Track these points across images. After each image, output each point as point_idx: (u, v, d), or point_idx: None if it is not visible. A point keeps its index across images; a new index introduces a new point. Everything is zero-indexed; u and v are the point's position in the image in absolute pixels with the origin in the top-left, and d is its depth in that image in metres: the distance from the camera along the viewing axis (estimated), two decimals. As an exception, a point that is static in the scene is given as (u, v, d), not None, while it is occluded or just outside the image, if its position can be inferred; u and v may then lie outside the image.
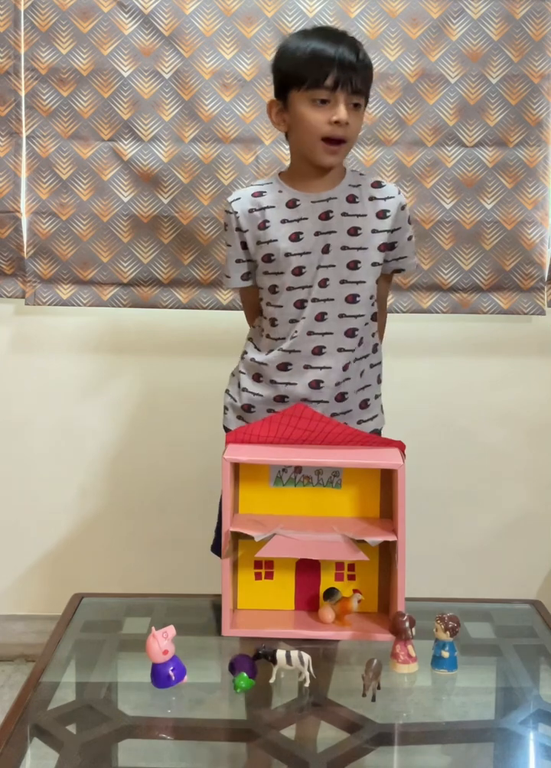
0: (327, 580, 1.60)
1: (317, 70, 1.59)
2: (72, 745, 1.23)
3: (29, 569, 2.59)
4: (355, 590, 1.58)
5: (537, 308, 2.41)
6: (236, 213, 1.73)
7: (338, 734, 1.28)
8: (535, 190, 2.36)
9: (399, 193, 1.76)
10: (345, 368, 1.73)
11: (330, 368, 1.72)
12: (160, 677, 1.36)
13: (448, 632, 1.41)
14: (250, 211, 1.72)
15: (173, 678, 1.36)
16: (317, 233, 1.69)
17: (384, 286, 1.84)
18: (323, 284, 1.70)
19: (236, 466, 1.59)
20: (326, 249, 1.69)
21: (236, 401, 1.83)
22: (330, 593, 1.57)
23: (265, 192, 1.74)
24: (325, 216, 1.70)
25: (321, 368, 1.72)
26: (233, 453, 1.56)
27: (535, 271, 2.39)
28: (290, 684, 1.37)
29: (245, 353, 1.85)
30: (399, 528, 1.52)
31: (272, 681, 1.37)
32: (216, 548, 1.73)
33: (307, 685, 1.36)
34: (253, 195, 1.74)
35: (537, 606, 1.72)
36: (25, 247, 2.38)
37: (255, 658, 1.39)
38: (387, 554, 1.58)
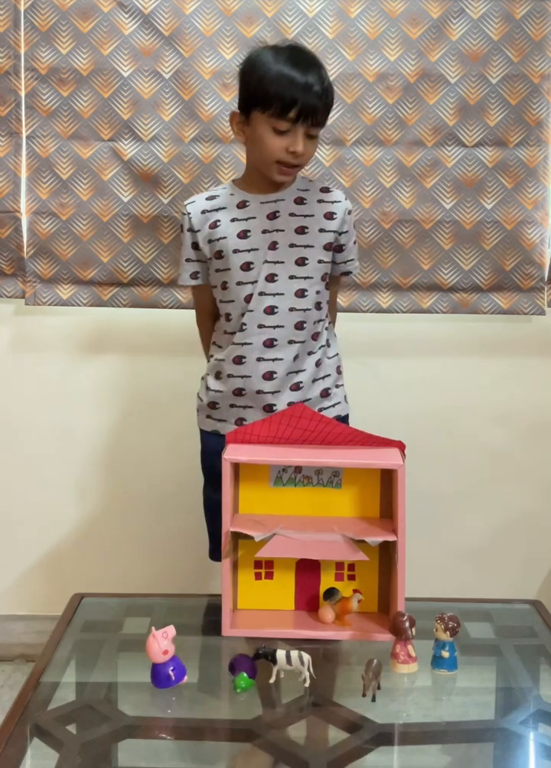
0: (327, 580, 1.60)
1: (282, 101, 1.67)
2: (72, 745, 1.23)
3: (29, 569, 2.59)
4: (355, 590, 1.58)
5: (537, 308, 2.41)
6: (190, 214, 1.85)
7: (338, 734, 1.28)
8: (535, 190, 2.36)
9: (346, 199, 1.88)
10: (295, 359, 1.83)
11: (281, 360, 1.82)
12: (160, 677, 1.36)
13: (448, 633, 1.41)
14: (203, 212, 1.84)
15: (173, 678, 1.36)
16: (264, 231, 1.80)
17: (334, 289, 1.97)
18: (271, 279, 1.80)
19: (236, 466, 1.59)
20: (273, 246, 1.80)
21: (203, 400, 1.96)
22: (330, 593, 1.57)
23: (218, 195, 1.86)
24: (272, 215, 1.81)
25: (273, 360, 1.82)
26: (233, 453, 1.56)
27: (535, 271, 2.39)
28: (290, 684, 1.37)
29: (210, 355, 1.96)
30: (399, 528, 1.52)
31: (272, 681, 1.37)
32: (215, 555, 1.78)
33: (307, 684, 1.36)
34: (207, 199, 1.87)
35: (537, 606, 1.72)
36: (25, 247, 2.38)
37: (255, 658, 1.39)
38: (387, 554, 1.58)
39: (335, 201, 1.85)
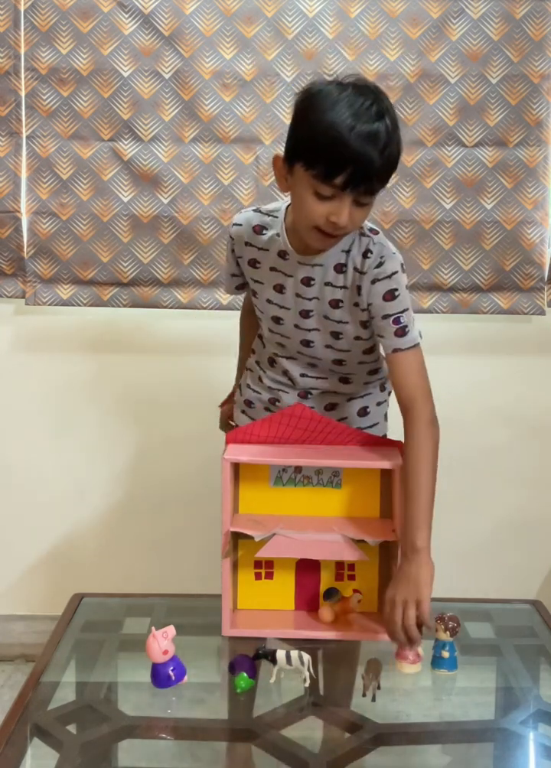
0: (327, 580, 1.60)
1: (327, 163, 1.35)
2: (72, 745, 1.23)
3: (29, 569, 2.59)
4: (355, 590, 1.58)
5: (537, 308, 2.41)
6: (234, 240, 1.64)
7: (338, 734, 1.28)
8: (535, 190, 2.36)
9: (381, 262, 1.50)
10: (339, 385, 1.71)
11: (323, 384, 1.71)
12: (160, 677, 1.36)
13: (448, 633, 1.41)
14: (246, 243, 1.62)
15: (173, 678, 1.36)
16: (297, 295, 1.59)
17: (394, 369, 1.55)
18: (306, 344, 1.63)
19: (236, 466, 1.59)
20: (305, 314, 1.60)
21: (241, 395, 1.83)
22: (330, 593, 1.57)
23: (266, 230, 1.59)
24: (307, 281, 1.56)
25: (315, 379, 1.70)
26: (233, 453, 1.56)
27: (535, 271, 2.39)
28: (290, 684, 1.37)
29: (253, 350, 1.81)
30: (399, 528, 1.52)
31: (272, 681, 1.37)
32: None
33: (307, 684, 1.36)
34: (255, 229, 1.60)
35: (537, 606, 1.72)
36: (25, 247, 2.38)
37: (255, 658, 1.39)
38: (387, 554, 1.58)
39: (363, 271, 1.52)
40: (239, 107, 2.32)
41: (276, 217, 1.58)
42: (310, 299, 1.58)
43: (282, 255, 1.57)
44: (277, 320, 1.64)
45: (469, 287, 2.40)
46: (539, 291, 2.40)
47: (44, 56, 2.30)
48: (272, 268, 1.59)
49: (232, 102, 2.32)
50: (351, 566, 1.60)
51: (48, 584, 2.56)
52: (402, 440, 1.58)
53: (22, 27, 2.30)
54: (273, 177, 2.32)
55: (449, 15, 2.29)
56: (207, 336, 2.46)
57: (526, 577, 2.58)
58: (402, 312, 1.51)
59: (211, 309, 2.40)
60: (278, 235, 1.56)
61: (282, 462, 1.57)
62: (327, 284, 1.55)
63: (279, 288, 1.60)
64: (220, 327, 2.42)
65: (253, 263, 1.62)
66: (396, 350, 1.52)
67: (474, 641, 1.59)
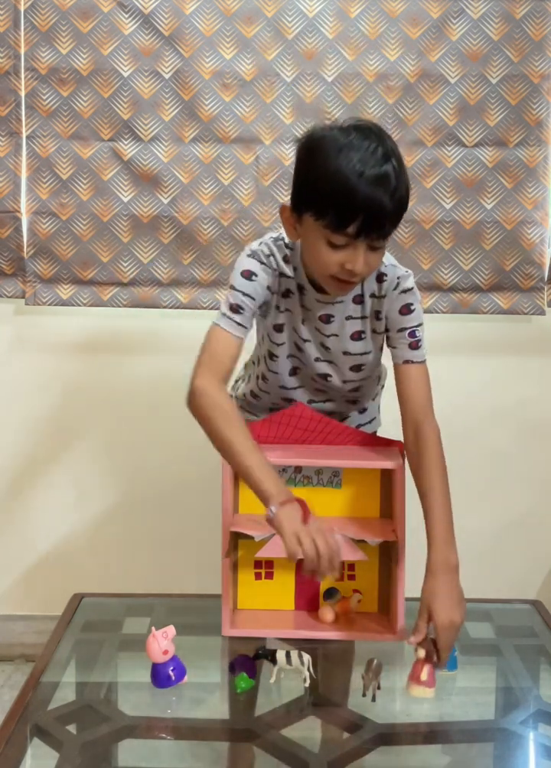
0: (327, 581, 1.60)
1: (340, 211, 1.32)
2: (72, 745, 1.23)
3: (29, 569, 2.59)
4: (355, 590, 1.58)
5: (537, 308, 2.41)
6: (265, 265, 1.52)
7: (338, 734, 1.28)
8: (535, 190, 2.36)
9: (398, 285, 1.51)
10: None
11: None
12: (160, 677, 1.36)
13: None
14: (281, 275, 1.53)
15: (173, 678, 1.36)
16: (316, 329, 1.57)
17: (405, 382, 1.54)
18: (323, 377, 1.62)
19: (236, 466, 1.59)
20: (325, 351, 1.59)
21: (233, 394, 1.81)
22: (330, 593, 1.57)
23: (289, 262, 1.52)
24: (326, 319, 1.55)
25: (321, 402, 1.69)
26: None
27: (535, 271, 2.39)
28: (290, 684, 1.37)
29: (251, 390, 1.75)
30: (398, 528, 1.52)
31: (272, 681, 1.37)
32: None
33: (307, 684, 1.36)
34: (285, 258, 1.52)
35: (537, 606, 1.72)
36: (25, 247, 2.38)
37: (255, 658, 1.39)
38: (387, 554, 1.58)
39: (382, 295, 1.52)
40: (239, 107, 2.32)
41: (294, 249, 1.52)
42: (328, 336, 1.57)
43: (300, 289, 1.54)
44: (297, 349, 1.60)
45: (469, 287, 2.40)
46: (539, 291, 2.40)
47: (44, 56, 2.30)
48: (286, 309, 1.56)
49: (232, 102, 2.32)
50: (351, 566, 1.60)
51: (48, 584, 2.56)
52: (402, 441, 1.58)
53: (22, 27, 2.30)
54: (273, 177, 2.34)
55: (449, 15, 2.29)
56: (207, 336, 2.45)
57: (526, 577, 2.58)
58: (417, 326, 1.53)
59: (211, 309, 2.40)
60: (295, 268, 1.53)
61: (282, 462, 1.57)
62: (347, 318, 1.55)
63: (302, 321, 1.57)
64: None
65: (287, 293, 1.55)
66: (407, 362, 1.53)
67: (474, 641, 1.59)
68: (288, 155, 2.33)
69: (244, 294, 1.49)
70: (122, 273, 2.39)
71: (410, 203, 2.33)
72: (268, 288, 1.53)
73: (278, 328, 1.59)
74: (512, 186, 2.36)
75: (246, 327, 1.51)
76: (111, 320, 2.48)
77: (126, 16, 2.29)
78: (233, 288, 1.50)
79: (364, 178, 1.30)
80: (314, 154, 1.36)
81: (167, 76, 2.31)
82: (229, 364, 1.51)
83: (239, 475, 1.45)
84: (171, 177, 2.35)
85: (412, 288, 1.53)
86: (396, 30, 2.29)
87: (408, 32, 2.29)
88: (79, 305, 2.41)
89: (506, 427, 2.53)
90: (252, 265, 1.50)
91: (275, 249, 1.52)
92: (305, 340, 1.59)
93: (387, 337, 1.57)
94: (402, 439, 1.58)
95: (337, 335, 1.56)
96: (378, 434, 1.79)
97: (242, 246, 2.33)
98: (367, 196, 1.30)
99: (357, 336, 1.57)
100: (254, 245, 1.54)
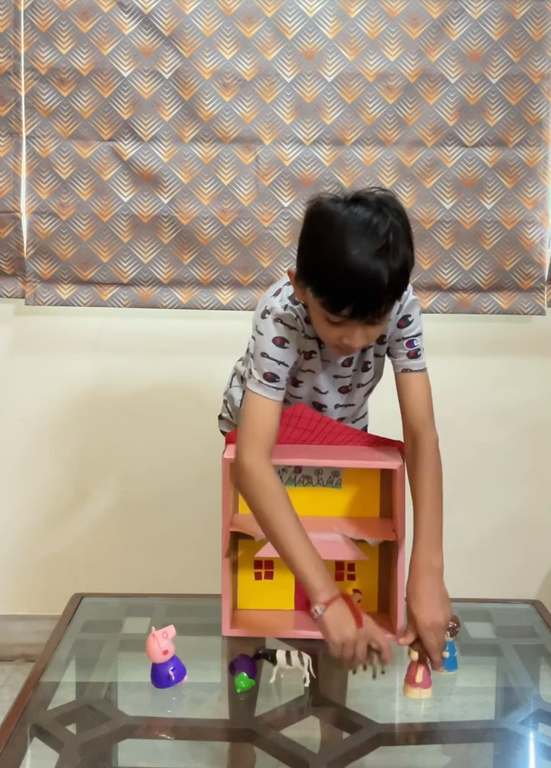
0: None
1: (334, 296, 1.32)
2: (72, 745, 1.23)
3: (29, 569, 2.59)
4: (355, 590, 1.58)
5: (537, 308, 2.41)
6: (291, 328, 1.49)
7: (338, 734, 1.28)
8: (535, 190, 2.36)
9: (400, 309, 1.51)
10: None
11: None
12: (160, 677, 1.36)
13: (448, 633, 1.41)
14: (305, 336, 1.52)
15: (173, 678, 1.36)
16: (335, 376, 1.59)
17: (408, 391, 1.56)
18: (343, 408, 1.65)
19: (236, 466, 1.59)
20: (345, 394, 1.63)
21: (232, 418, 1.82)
22: (330, 593, 1.57)
23: (312, 337, 1.52)
24: (348, 363, 1.58)
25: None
26: (233, 453, 1.56)
27: (535, 271, 2.39)
28: (290, 684, 1.37)
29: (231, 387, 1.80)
30: (399, 528, 1.52)
31: (272, 681, 1.37)
32: None
33: (307, 684, 1.36)
34: (306, 319, 1.49)
35: (537, 606, 1.72)
36: (25, 247, 2.38)
37: (255, 658, 1.40)
38: (387, 554, 1.58)
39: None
40: (239, 107, 2.32)
41: (305, 307, 1.48)
42: (346, 377, 1.60)
43: (320, 345, 1.53)
44: (315, 400, 1.62)
45: (469, 287, 2.40)
46: (539, 291, 2.40)
47: (44, 56, 2.30)
48: (321, 357, 1.56)
49: (232, 102, 2.32)
50: (351, 566, 1.60)
51: (48, 584, 2.56)
52: (402, 440, 1.58)
53: (22, 27, 2.30)
54: (273, 177, 2.34)
55: (449, 15, 2.29)
56: (207, 336, 2.46)
57: (526, 577, 2.58)
58: (415, 336, 1.54)
59: (211, 309, 2.40)
60: (307, 320, 1.50)
61: (282, 462, 1.57)
62: (361, 350, 1.55)
63: (321, 375, 1.58)
64: (220, 327, 2.42)
65: (309, 355, 1.55)
66: (406, 370, 1.54)
67: (474, 641, 1.59)
68: (288, 155, 2.33)
69: (278, 362, 1.48)
70: (122, 273, 2.39)
71: (410, 203, 2.36)
72: (298, 350, 1.52)
73: (297, 383, 1.60)
74: (512, 186, 2.36)
75: (283, 390, 1.51)
76: (111, 320, 2.48)
77: (126, 16, 2.29)
78: (265, 355, 1.48)
79: (358, 266, 1.28)
80: (314, 230, 1.36)
81: (167, 76, 2.31)
82: (273, 434, 1.50)
83: (285, 562, 1.41)
84: (171, 177, 2.35)
85: (409, 302, 1.51)
86: (396, 30, 2.29)
87: (408, 32, 2.29)
88: (79, 305, 2.41)
89: (507, 427, 2.53)
90: (283, 332, 1.48)
91: (298, 312, 1.49)
92: (324, 393, 1.61)
93: (387, 347, 1.58)
94: (401, 439, 1.58)
95: (353, 373, 1.59)
96: (370, 427, 1.79)
97: (243, 246, 2.37)
98: (360, 284, 1.29)
99: (365, 366, 1.60)
100: (277, 306, 1.49)
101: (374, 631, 1.32)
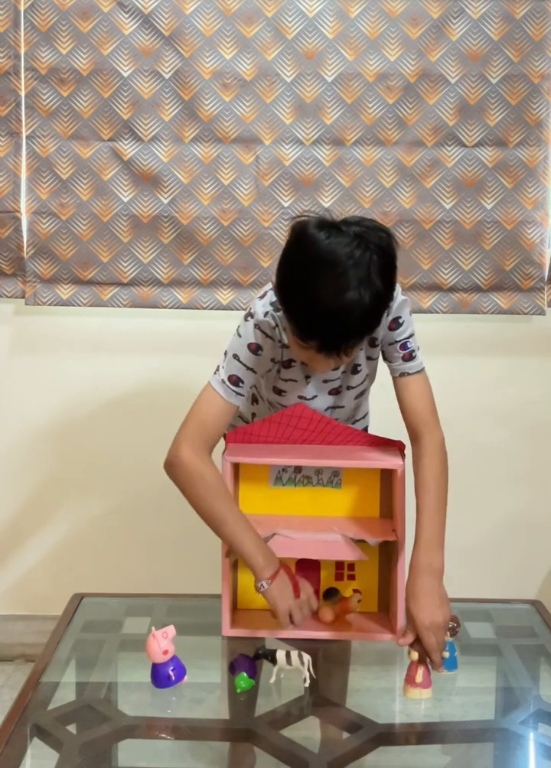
0: (327, 580, 1.60)
1: (303, 325, 1.32)
2: (72, 745, 1.23)
3: (29, 569, 2.59)
4: (355, 590, 1.58)
5: (537, 308, 2.41)
6: (269, 336, 1.49)
7: (338, 734, 1.28)
8: (535, 190, 2.36)
9: (389, 312, 1.49)
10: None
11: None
12: (160, 677, 1.36)
13: (448, 633, 1.41)
14: (282, 345, 1.51)
15: (173, 678, 1.36)
16: (324, 381, 1.58)
17: (405, 395, 1.56)
18: (331, 410, 1.64)
19: (236, 466, 1.59)
20: (335, 396, 1.62)
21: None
22: (330, 593, 1.57)
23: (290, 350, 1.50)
24: (336, 368, 1.56)
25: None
26: (233, 453, 1.56)
27: (535, 271, 2.39)
28: (290, 684, 1.37)
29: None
30: (399, 528, 1.52)
31: (272, 681, 1.37)
32: None
33: (307, 684, 1.36)
34: (280, 345, 1.50)
35: (537, 606, 1.72)
36: (25, 247, 2.38)
37: (255, 658, 1.39)
38: (387, 554, 1.58)
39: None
40: (239, 107, 2.32)
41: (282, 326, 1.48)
42: (335, 380, 1.59)
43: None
44: (304, 403, 1.60)
45: (469, 287, 2.40)
46: (539, 291, 2.40)
47: (44, 56, 2.30)
48: (303, 372, 1.56)
49: (232, 102, 2.32)
50: (351, 566, 1.60)
51: (48, 584, 2.56)
52: (402, 441, 1.58)
53: (22, 27, 2.30)
54: (273, 177, 2.34)
55: (449, 15, 2.29)
56: (206, 336, 2.45)
57: (526, 577, 2.58)
58: (408, 338, 1.53)
59: (211, 309, 2.40)
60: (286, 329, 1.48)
61: (282, 462, 1.57)
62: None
63: (307, 384, 1.58)
64: (220, 327, 2.41)
65: (288, 363, 1.54)
66: (403, 374, 1.54)
67: (474, 641, 1.59)
68: (289, 155, 2.33)
69: (247, 367, 1.49)
70: (122, 273, 2.39)
71: (410, 203, 2.36)
72: (272, 359, 1.52)
73: (279, 392, 1.60)
74: (512, 186, 2.36)
75: (243, 396, 1.51)
76: (111, 320, 2.48)
77: (126, 16, 2.29)
78: (237, 358, 1.48)
79: (326, 303, 1.27)
80: (291, 255, 1.33)
81: (167, 76, 2.31)
82: (219, 434, 1.53)
83: (228, 544, 1.50)
84: (171, 177, 2.35)
85: (399, 303, 1.50)
86: (396, 30, 2.29)
87: (408, 32, 2.29)
88: (79, 305, 2.41)
89: (507, 427, 2.53)
90: (260, 338, 1.48)
91: (278, 320, 1.47)
92: (312, 397, 1.60)
93: (382, 352, 1.57)
94: (401, 438, 1.58)
95: (341, 376, 1.58)
96: (370, 428, 1.79)
97: (243, 246, 2.37)
98: (328, 321, 1.28)
99: (354, 369, 1.58)
100: (259, 312, 1.48)
101: (310, 596, 1.48)
